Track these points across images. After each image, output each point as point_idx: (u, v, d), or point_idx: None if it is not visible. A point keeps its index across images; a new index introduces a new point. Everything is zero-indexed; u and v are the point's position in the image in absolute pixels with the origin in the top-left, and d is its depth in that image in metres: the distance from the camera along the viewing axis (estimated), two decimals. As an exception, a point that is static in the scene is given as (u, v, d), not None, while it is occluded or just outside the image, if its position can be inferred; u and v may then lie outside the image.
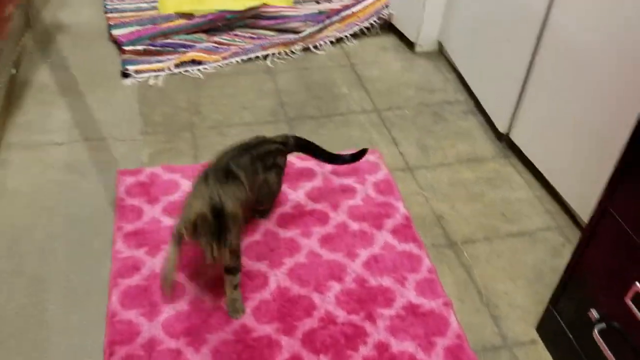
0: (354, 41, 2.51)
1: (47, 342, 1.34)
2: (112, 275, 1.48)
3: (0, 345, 1.32)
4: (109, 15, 2.53)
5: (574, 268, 1.26)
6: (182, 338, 1.35)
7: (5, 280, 1.46)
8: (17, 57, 2.14)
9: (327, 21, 2.49)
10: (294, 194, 1.74)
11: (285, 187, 1.74)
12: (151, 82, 2.22)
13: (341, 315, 1.41)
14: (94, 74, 2.25)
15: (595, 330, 1.15)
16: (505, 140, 1.98)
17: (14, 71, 2.13)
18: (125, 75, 2.24)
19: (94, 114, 2.04)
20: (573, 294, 1.27)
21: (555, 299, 1.33)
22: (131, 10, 2.57)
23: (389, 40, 2.55)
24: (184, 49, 2.36)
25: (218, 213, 1.24)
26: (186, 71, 2.28)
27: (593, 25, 1.51)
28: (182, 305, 1.42)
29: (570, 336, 1.28)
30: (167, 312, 1.40)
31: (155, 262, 1.51)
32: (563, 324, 1.30)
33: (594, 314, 1.18)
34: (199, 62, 2.31)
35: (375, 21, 2.52)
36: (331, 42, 2.48)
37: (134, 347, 1.32)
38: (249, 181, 1.42)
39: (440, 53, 2.45)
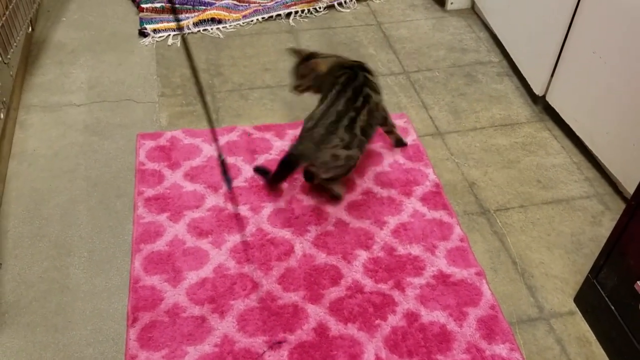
0: (381, -2, 2.40)
1: (71, 306, 1.32)
2: (134, 240, 1.45)
3: (24, 309, 1.31)
4: (126, -28, 2.45)
5: (619, 238, 1.19)
6: (206, 305, 1.32)
7: (28, 244, 1.44)
8: (34, 15, 2.08)
9: (352, -23, 2.38)
10: (319, 159, 1.68)
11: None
12: (169, 41, 2.15)
13: (369, 284, 1.37)
14: (111, 33, 2.18)
15: (642, 303, 1.10)
16: (541, 104, 1.88)
17: (30, 30, 2.07)
18: (142, 34, 2.17)
19: (112, 74, 1.99)
20: (616, 265, 1.20)
21: (597, 270, 1.26)
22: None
23: (418, -3, 2.43)
24: (202, 7, 2.27)
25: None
26: (205, 30, 2.20)
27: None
28: (206, 271, 1.39)
29: (613, 308, 1.22)
30: (191, 278, 1.37)
31: (178, 228, 1.48)
32: (605, 296, 1.24)
33: (642, 286, 1.12)
34: (219, 21, 2.22)
35: (403, -23, 2.41)
36: (357, 0, 2.37)
37: (157, 312, 1.30)
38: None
39: (473, 11, 2.33)
